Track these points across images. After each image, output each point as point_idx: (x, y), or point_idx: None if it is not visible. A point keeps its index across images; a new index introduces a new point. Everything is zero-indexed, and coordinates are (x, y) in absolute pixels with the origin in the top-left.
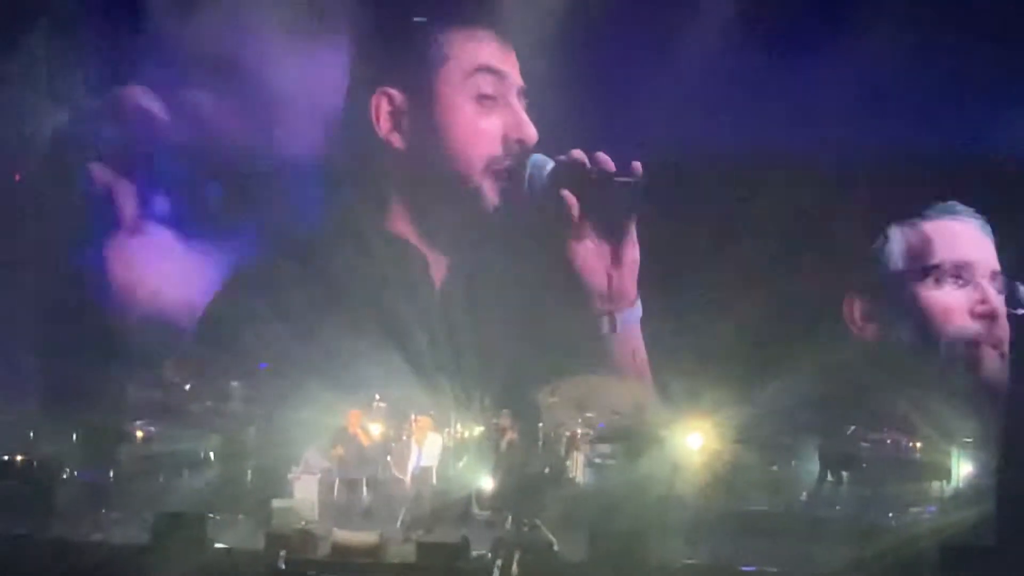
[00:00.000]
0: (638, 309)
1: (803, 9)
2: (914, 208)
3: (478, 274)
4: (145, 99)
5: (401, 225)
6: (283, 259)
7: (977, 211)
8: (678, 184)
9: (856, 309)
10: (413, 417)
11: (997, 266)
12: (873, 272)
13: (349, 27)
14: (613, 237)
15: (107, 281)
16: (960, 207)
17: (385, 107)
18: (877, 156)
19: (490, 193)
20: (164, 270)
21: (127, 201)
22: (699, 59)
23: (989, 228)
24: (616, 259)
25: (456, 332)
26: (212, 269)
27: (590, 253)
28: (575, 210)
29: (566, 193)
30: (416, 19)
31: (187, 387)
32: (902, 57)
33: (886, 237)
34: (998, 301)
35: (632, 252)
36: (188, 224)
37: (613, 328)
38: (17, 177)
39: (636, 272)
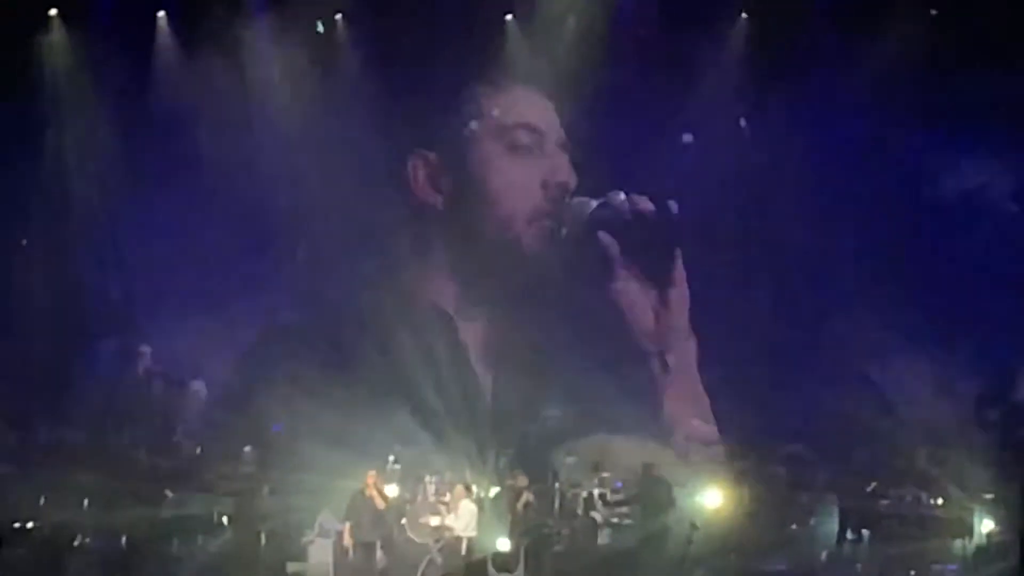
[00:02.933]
0: (692, 347)
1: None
2: None
3: (512, 329)
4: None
5: (430, 285)
6: (298, 322)
7: None
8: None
9: None
10: (432, 478)
11: None
12: None
13: (382, 93)
14: (657, 275)
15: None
16: None
17: (422, 168)
18: None
19: (530, 240)
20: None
21: None
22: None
23: None
24: (663, 297)
25: (473, 391)
26: (226, 332)
27: (635, 293)
28: (615, 250)
29: (603, 234)
30: None
31: (199, 451)
32: None
33: None
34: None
35: (680, 288)
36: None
37: (665, 368)
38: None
39: (686, 309)
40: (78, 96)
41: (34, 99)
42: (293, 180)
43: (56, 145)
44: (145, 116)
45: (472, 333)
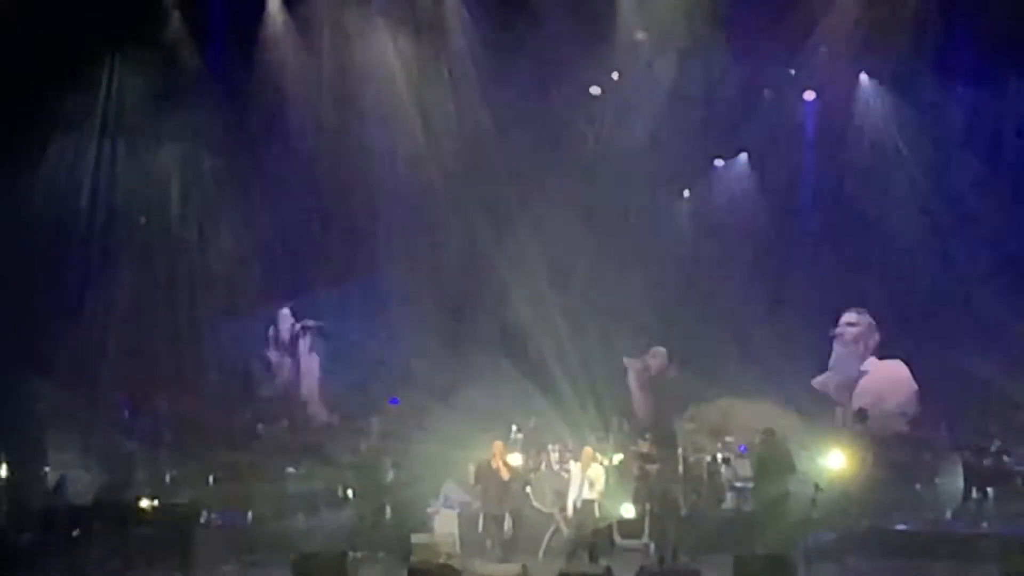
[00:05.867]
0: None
1: None
2: None
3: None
4: None
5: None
6: (418, 294)
7: None
8: None
9: None
10: (555, 446)
11: None
12: None
13: (495, 64)
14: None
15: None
16: None
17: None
18: None
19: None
20: None
21: None
22: None
23: None
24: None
25: (594, 356)
26: (345, 308)
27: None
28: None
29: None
30: None
31: (321, 424)
32: None
33: None
34: None
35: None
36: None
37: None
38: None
39: None
40: (192, 83)
41: (149, 84)
42: (407, 156)
43: (167, 130)
44: (255, 99)
45: (591, 298)
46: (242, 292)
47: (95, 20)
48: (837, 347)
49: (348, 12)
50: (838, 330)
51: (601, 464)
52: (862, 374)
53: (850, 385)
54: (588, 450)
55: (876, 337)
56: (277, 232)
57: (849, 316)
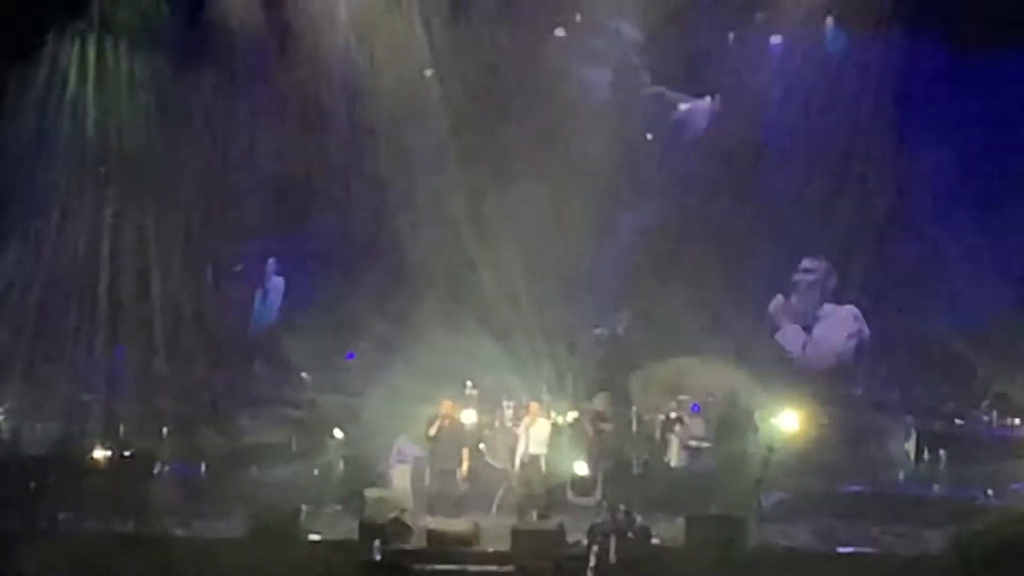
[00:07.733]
0: None
1: None
2: None
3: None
4: None
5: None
6: (371, 245)
7: None
8: None
9: None
10: (509, 403)
11: None
12: None
13: None
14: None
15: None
16: None
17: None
18: None
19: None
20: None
21: None
22: None
23: None
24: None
25: (548, 315)
26: (300, 256)
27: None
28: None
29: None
30: None
31: (276, 379)
32: None
33: None
34: None
35: None
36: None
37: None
38: None
39: None
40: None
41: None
42: (365, 98)
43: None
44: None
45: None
46: (205, 235)
47: None
48: (794, 297)
49: None
50: (795, 277)
51: (549, 420)
52: (817, 320)
53: (804, 331)
54: (534, 406)
55: (833, 281)
56: (235, 175)
57: (806, 263)
